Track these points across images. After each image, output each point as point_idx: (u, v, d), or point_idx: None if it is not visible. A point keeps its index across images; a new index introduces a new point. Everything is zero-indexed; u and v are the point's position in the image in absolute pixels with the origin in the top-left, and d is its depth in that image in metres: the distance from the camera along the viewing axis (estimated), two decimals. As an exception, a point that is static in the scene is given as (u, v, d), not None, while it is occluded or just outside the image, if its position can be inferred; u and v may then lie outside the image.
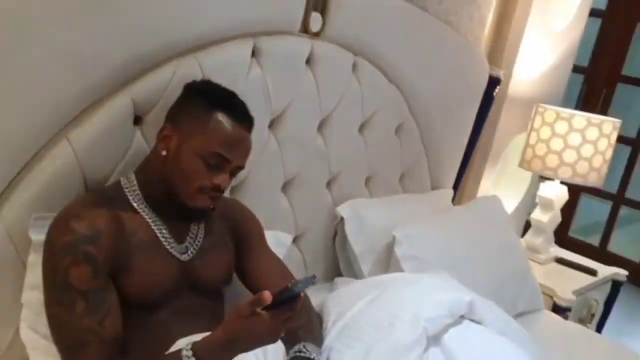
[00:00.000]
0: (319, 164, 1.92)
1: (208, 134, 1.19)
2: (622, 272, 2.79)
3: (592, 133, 2.49)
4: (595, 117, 2.51)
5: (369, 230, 1.98)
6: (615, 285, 2.81)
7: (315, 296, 1.58)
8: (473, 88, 2.45)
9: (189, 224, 1.31)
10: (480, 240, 2.02)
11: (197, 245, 1.30)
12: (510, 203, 3.10)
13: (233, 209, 1.45)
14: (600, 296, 2.77)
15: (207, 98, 1.23)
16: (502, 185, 3.04)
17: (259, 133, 1.67)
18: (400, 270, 1.85)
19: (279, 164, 1.79)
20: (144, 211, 1.24)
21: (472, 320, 1.38)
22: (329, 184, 2.01)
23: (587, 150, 2.50)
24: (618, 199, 4.22)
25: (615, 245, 4.28)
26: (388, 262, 1.93)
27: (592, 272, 2.70)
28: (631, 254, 4.25)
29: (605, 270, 2.76)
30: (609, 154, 2.55)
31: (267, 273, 1.42)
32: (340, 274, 2.07)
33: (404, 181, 2.29)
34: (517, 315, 2.05)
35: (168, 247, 1.25)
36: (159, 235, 1.25)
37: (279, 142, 1.76)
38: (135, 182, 1.26)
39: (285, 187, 1.86)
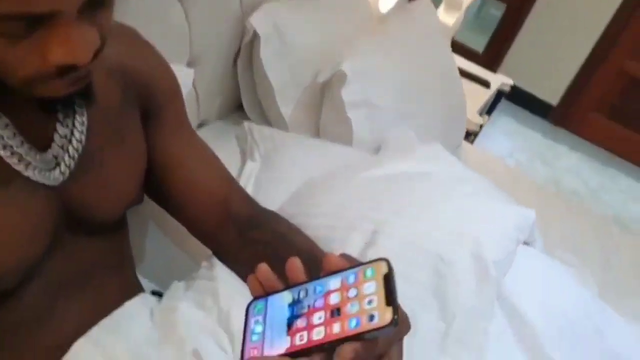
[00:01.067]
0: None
1: None
2: (507, 82, 2.57)
3: None
4: None
5: (295, 55, 1.35)
6: (499, 95, 2.62)
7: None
8: None
9: (54, 110, 0.60)
10: (427, 71, 1.53)
11: (77, 147, 0.61)
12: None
13: (133, 55, 0.71)
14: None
15: None
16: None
17: None
18: (343, 117, 1.31)
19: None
20: None
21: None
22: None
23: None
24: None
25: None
26: (319, 104, 1.37)
27: (485, 84, 2.43)
28: (475, 42, 4.13)
29: (494, 80, 2.51)
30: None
31: (187, 164, 0.77)
32: (241, 112, 1.46)
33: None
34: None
35: (19, 165, 0.57)
36: None
37: None
38: None
39: (181, -11, 1.11)
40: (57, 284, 0.64)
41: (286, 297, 0.48)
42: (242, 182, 1.15)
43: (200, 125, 1.40)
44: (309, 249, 0.72)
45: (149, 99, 0.72)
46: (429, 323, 0.76)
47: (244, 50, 1.37)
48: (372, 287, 0.45)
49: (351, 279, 0.46)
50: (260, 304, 0.49)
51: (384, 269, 0.46)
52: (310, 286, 0.48)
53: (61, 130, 0.60)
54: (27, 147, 0.56)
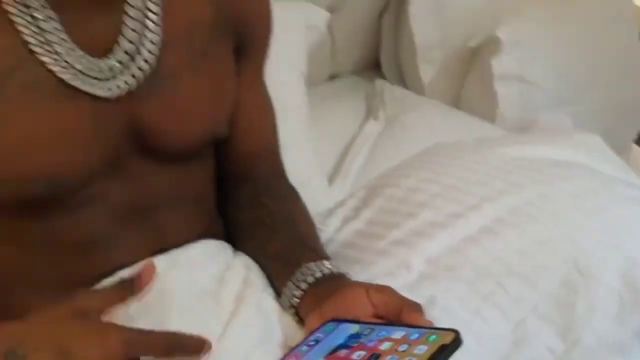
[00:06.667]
0: None
1: None
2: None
3: None
4: None
5: (448, 15, 1.22)
6: None
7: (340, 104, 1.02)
8: None
9: (115, 3, 0.53)
10: (602, 54, 1.29)
11: (148, 59, 0.54)
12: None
13: None
14: None
15: None
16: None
17: None
18: (489, 89, 1.16)
19: None
20: None
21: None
22: None
23: None
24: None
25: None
26: (465, 72, 1.22)
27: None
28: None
29: None
30: None
31: (244, 106, 0.68)
32: (377, 70, 1.36)
33: None
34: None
35: (56, 65, 0.50)
36: (31, 39, 0.49)
37: None
38: None
39: None
40: (119, 212, 0.58)
41: (353, 328, 0.49)
42: (358, 141, 1.06)
43: (332, 77, 1.33)
44: (304, 235, 0.66)
45: (244, 34, 0.64)
46: (545, 338, 0.62)
47: (394, 4, 1.26)
48: (422, 351, 0.43)
49: (414, 336, 0.45)
50: (332, 325, 0.51)
51: (447, 339, 0.44)
52: (379, 327, 0.48)
53: (129, 34, 0.52)
54: (68, 47, 0.50)
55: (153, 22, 0.53)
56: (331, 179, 1.01)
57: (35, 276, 0.59)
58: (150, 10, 0.53)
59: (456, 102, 1.24)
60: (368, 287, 0.53)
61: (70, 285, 0.56)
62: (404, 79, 1.32)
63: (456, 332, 0.44)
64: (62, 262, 0.58)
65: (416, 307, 0.50)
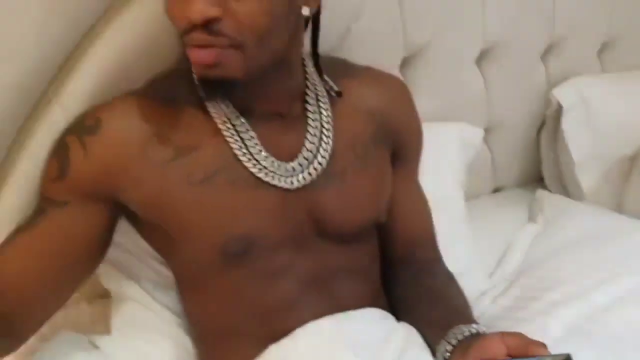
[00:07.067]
0: (537, 21, 1.27)
1: None
2: None
3: None
4: None
5: (600, 128, 1.32)
6: None
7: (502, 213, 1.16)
8: None
9: (300, 124, 0.76)
10: None
11: (322, 162, 0.75)
12: None
13: (394, 103, 0.84)
14: None
15: None
16: None
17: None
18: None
19: (477, 21, 1.16)
20: (215, 107, 0.72)
21: None
22: (546, 53, 1.33)
23: None
24: None
25: None
26: (624, 181, 1.29)
27: None
28: None
29: None
30: None
31: (403, 202, 0.87)
32: (540, 183, 1.46)
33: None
34: None
35: (254, 169, 0.72)
36: (237, 151, 0.71)
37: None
38: None
39: (481, 58, 1.23)
40: (304, 280, 0.76)
41: None
42: (516, 242, 1.17)
43: (496, 190, 1.46)
44: (457, 307, 0.79)
45: (398, 145, 0.84)
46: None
47: (549, 122, 1.40)
48: None
49: None
50: None
51: (560, 358, 0.55)
52: None
53: (309, 145, 0.74)
54: (264, 155, 0.71)
55: (327, 136, 0.75)
56: (491, 275, 1.13)
57: (242, 330, 0.76)
58: (325, 128, 0.76)
59: (619, 207, 1.30)
60: (503, 333, 0.65)
61: (268, 339, 0.73)
62: (566, 189, 1.41)
63: (568, 354, 0.55)
64: (262, 319, 0.76)
65: (541, 344, 0.61)
